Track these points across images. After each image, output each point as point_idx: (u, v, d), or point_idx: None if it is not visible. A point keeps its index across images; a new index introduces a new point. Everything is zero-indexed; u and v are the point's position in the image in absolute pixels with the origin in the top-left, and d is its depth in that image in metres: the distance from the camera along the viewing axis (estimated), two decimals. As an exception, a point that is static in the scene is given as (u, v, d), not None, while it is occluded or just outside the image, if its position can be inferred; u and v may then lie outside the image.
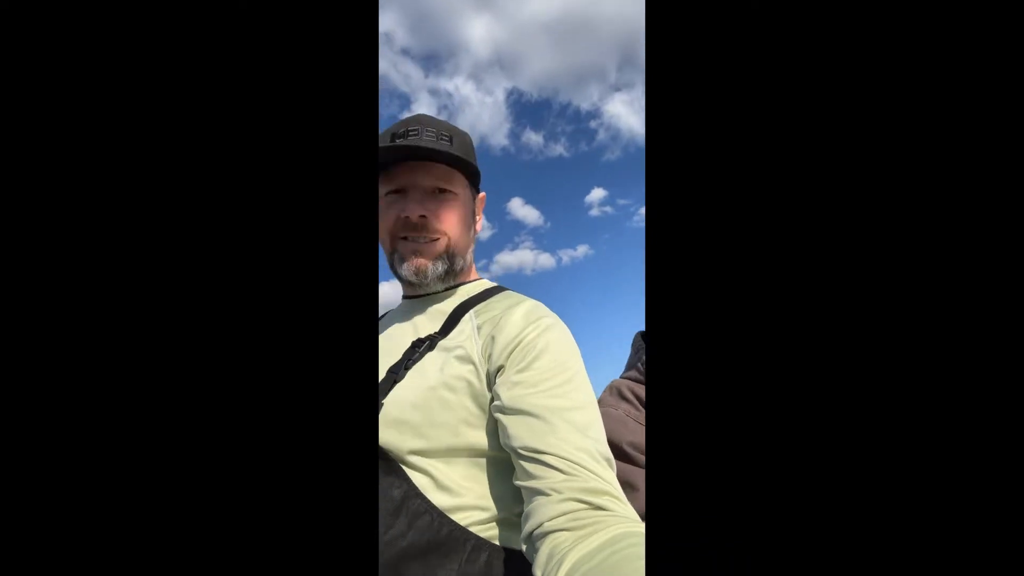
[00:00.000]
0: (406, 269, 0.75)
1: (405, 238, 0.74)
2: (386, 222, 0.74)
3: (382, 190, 0.75)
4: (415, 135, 0.71)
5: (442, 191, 0.75)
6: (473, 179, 0.80)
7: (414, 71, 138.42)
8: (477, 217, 0.84)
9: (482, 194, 0.85)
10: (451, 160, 0.73)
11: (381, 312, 0.88)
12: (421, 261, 0.74)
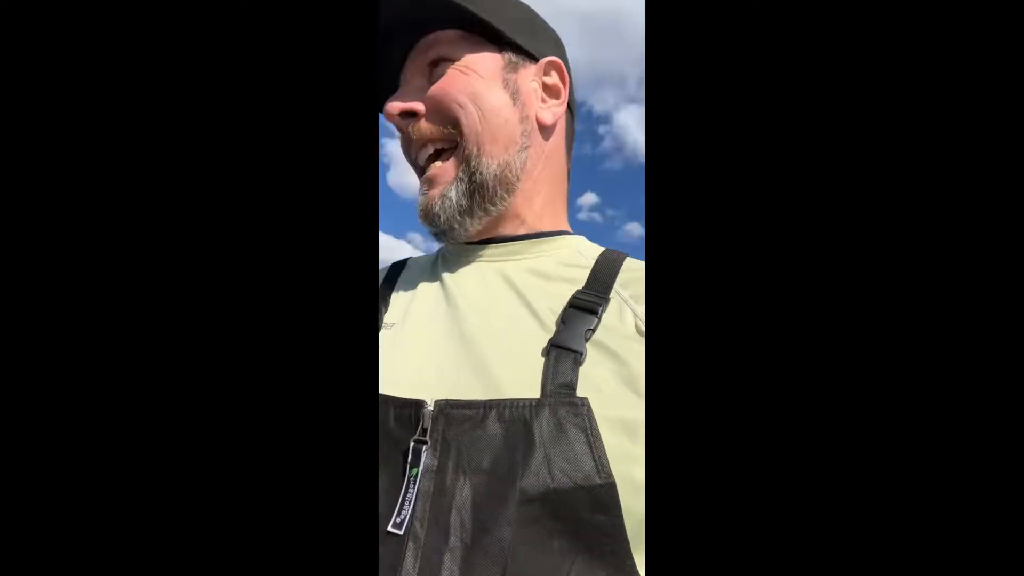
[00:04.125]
0: (418, 214, 0.49)
1: (417, 165, 0.49)
2: (407, 155, 0.51)
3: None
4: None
5: (435, 65, 0.47)
6: (511, 37, 0.47)
7: None
8: (543, 100, 0.50)
9: (552, 60, 0.50)
10: (449, 14, 0.44)
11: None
12: (431, 194, 0.47)
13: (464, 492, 0.33)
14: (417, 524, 0.32)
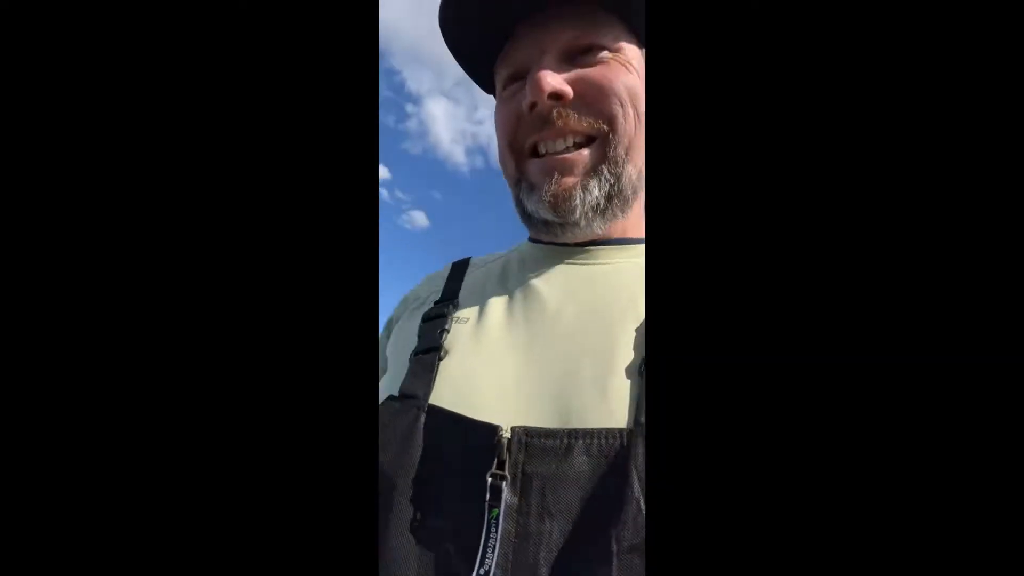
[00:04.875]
0: (538, 201, 0.43)
1: (535, 149, 0.44)
2: (504, 128, 0.45)
3: (498, 85, 0.47)
4: None
5: (586, 51, 0.42)
6: (639, 26, 0.43)
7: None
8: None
9: None
10: None
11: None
12: (566, 182, 0.42)
13: (552, 538, 0.29)
14: (500, 574, 0.29)
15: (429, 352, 0.40)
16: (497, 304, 0.43)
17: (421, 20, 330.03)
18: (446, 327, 0.42)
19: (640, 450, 0.29)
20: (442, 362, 0.39)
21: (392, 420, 0.36)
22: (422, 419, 0.36)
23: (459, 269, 0.51)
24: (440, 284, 0.50)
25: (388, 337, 0.51)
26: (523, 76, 0.43)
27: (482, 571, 0.29)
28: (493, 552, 0.29)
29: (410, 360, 0.41)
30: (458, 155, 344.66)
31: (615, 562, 0.27)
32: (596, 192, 0.42)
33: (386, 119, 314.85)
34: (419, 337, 0.43)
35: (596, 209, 0.42)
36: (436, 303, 0.46)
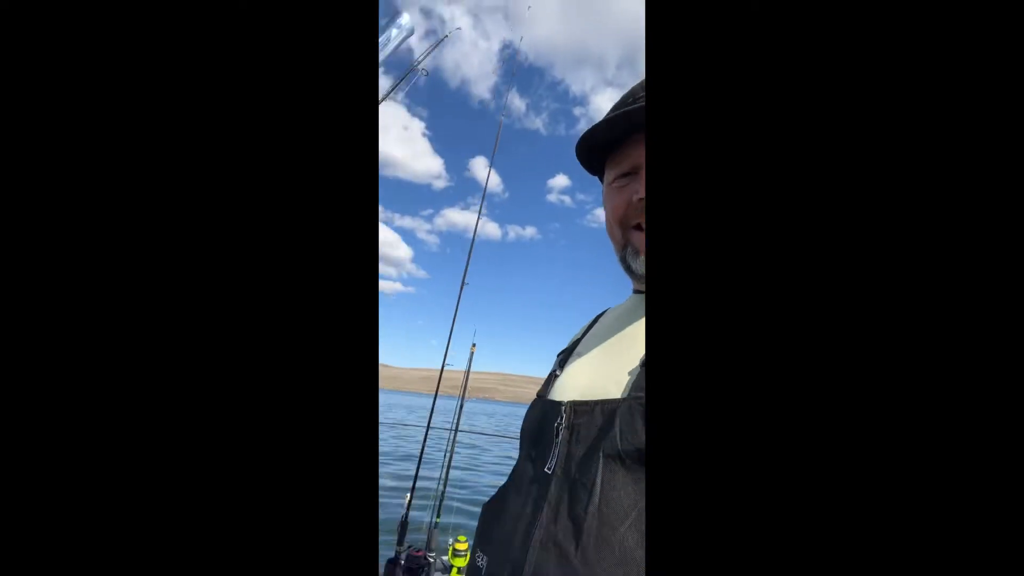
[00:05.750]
0: (643, 264, 0.62)
1: (639, 226, 0.63)
2: (615, 210, 0.64)
3: (609, 176, 0.67)
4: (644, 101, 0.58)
5: None
6: None
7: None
8: None
9: None
10: None
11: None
12: None
13: (578, 452, 0.54)
14: (558, 469, 0.55)
15: (554, 372, 0.72)
16: (600, 338, 0.70)
17: (571, 26, 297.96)
18: (568, 358, 0.72)
19: (624, 409, 0.51)
20: (557, 378, 0.69)
21: (533, 406, 0.69)
22: (540, 404, 0.66)
23: (596, 318, 0.79)
24: (584, 329, 0.78)
25: None
26: (631, 173, 0.64)
27: (547, 469, 0.56)
28: (554, 460, 0.55)
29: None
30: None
31: (601, 462, 0.50)
32: None
33: (557, 130, 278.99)
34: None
35: None
36: (574, 342, 0.76)
